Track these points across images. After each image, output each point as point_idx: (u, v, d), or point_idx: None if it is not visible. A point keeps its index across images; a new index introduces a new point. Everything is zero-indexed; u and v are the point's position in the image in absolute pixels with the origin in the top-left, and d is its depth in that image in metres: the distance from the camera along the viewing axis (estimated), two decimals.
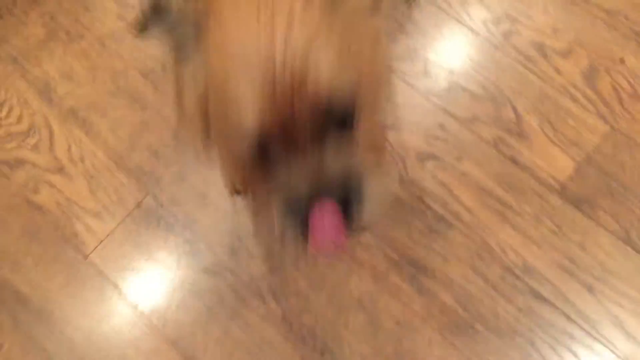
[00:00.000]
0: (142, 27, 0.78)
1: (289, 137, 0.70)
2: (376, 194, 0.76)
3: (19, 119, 1.68)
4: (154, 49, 1.69)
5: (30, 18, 1.77)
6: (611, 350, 1.36)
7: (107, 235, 1.55)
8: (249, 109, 0.68)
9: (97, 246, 1.54)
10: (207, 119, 0.79)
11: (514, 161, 1.51)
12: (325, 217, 0.74)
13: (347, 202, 0.75)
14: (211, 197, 1.55)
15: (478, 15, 1.66)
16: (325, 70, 0.67)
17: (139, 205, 1.57)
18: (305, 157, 0.71)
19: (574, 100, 1.55)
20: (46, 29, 1.76)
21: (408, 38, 1.65)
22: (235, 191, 1.40)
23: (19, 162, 1.63)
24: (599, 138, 1.51)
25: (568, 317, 1.39)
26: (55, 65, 1.72)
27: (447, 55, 1.63)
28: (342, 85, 0.69)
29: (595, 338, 1.37)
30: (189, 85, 0.78)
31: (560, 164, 1.50)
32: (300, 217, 0.75)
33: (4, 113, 1.69)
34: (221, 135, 0.78)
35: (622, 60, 1.58)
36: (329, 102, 0.69)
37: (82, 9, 1.77)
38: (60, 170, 1.62)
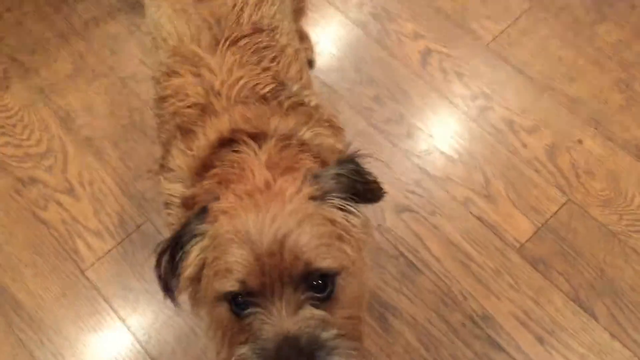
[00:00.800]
0: (170, 291, 0.99)
1: (268, 299, 0.87)
2: None
3: (38, 142, 1.84)
4: None
5: (61, 55, 1.98)
6: None
7: (106, 253, 1.68)
8: (235, 269, 0.87)
9: (94, 263, 1.67)
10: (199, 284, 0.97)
11: (481, 220, 1.68)
12: None
13: None
14: None
15: (458, 91, 1.88)
16: (302, 247, 0.87)
17: (138, 228, 1.71)
18: (281, 321, 0.86)
19: (537, 171, 1.74)
20: (74, 65, 1.96)
21: (396, 104, 1.86)
22: None
23: (33, 181, 1.78)
24: (556, 207, 1.69)
25: None
26: (78, 98, 1.90)
27: (429, 122, 1.84)
28: (317, 261, 0.87)
29: None
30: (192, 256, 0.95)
31: (521, 227, 1.67)
32: None
33: (25, 135, 1.85)
34: (209, 291, 0.94)
35: (580, 142, 1.79)
36: (304, 273, 0.86)
37: (109, 52, 1.98)
38: (70, 191, 1.77)
